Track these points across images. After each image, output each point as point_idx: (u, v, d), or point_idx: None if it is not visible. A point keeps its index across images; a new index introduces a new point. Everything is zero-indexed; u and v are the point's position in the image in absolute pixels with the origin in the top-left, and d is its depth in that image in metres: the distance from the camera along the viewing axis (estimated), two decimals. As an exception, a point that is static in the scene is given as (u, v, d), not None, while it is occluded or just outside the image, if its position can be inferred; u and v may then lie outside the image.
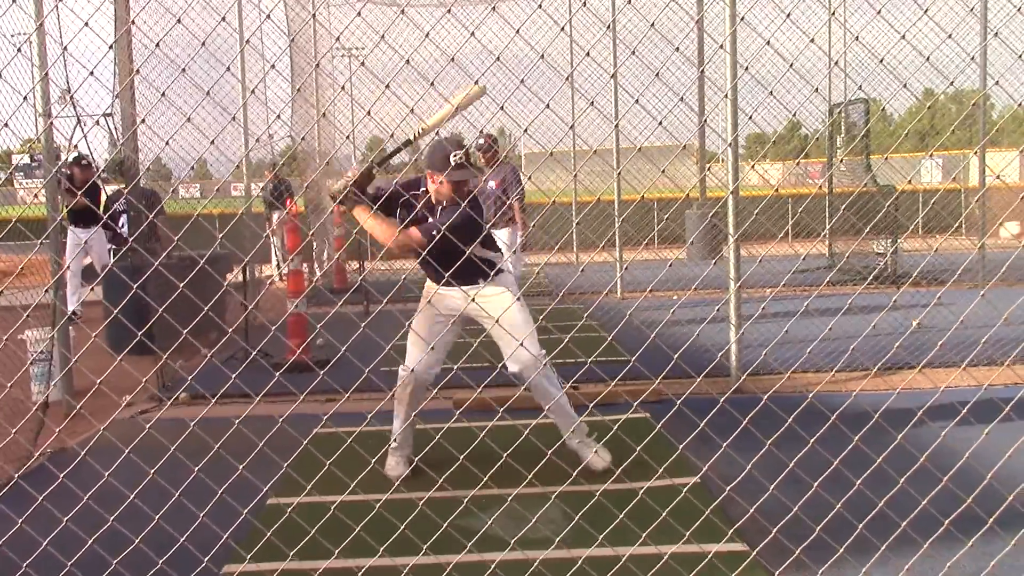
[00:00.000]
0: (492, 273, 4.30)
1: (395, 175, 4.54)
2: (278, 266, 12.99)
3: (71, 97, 6.73)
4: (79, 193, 8.57)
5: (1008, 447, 3.09)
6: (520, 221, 8.08)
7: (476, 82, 3.80)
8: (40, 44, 5.41)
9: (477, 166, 4.15)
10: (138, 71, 5.87)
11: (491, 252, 4.35)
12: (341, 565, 2.81)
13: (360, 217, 4.04)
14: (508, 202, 7.68)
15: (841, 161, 12.62)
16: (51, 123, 4.89)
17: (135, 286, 2.19)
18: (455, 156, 4.06)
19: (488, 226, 4.02)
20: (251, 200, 12.03)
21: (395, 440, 4.42)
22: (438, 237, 3.82)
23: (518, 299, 4.30)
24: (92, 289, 9.47)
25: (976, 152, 10.89)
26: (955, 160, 21.84)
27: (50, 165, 5.76)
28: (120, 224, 9.23)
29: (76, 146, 8.56)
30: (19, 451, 4.59)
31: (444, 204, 4.17)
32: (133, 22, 5.57)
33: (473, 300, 3.91)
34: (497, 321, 3.89)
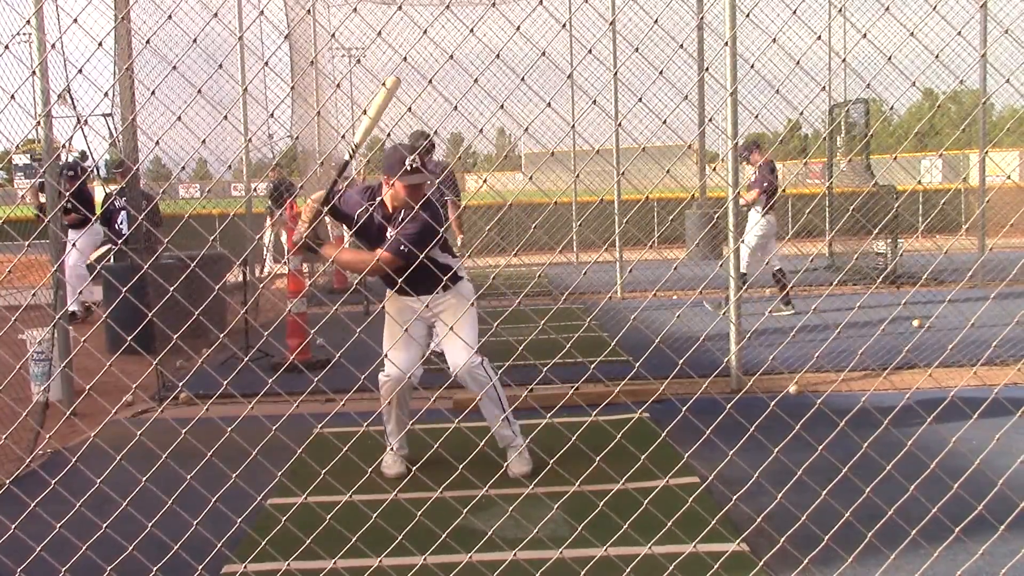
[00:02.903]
0: (449, 280, 4.27)
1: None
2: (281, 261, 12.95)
3: (70, 97, 6.71)
4: (54, 196, 8.53)
5: (1018, 450, 3.05)
6: (455, 225, 8.11)
7: (384, 83, 3.85)
8: (40, 44, 5.39)
9: (430, 169, 4.23)
10: (128, 68, 5.83)
11: (450, 258, 4.38)
12: (340, 567, 2.78)
13: (329, 256, 4.15)
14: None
15: (849, 160, 12.59)
16: (40, 121, 4.85)
17: (124, 290, 2.15)
18: (409, 161, 4.07)
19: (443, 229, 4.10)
20: (247, 198, 12.00)
21: (391, 443, 4.40)
22: (405, 250, 3.89)
23: (464, 305, 4.34)
24: (82, 292, 9.44)
25: (986, 152, 10.86)
26: (954, 160, 21.81)
27: (48, 167, 5.72)
28: (119, 221, 9.19)
29: (70, 146, 8.53)
30: (18, 453, 4.56)
31: (401, 212, 4.19)
32: (124, 18, 5.52)
33: (427, 307, 4.00)
34: (449, 328, 3.96)
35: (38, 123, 4.64)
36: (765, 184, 8.50)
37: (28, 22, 4.62)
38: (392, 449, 4.41)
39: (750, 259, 8.63)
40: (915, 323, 7.65)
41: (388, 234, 4.21)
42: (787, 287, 8.77)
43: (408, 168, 4.06)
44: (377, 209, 4.27)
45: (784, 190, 16.48)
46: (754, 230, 8.65)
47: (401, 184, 4.10)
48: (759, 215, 8.66)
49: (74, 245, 9.28)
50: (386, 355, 4.31)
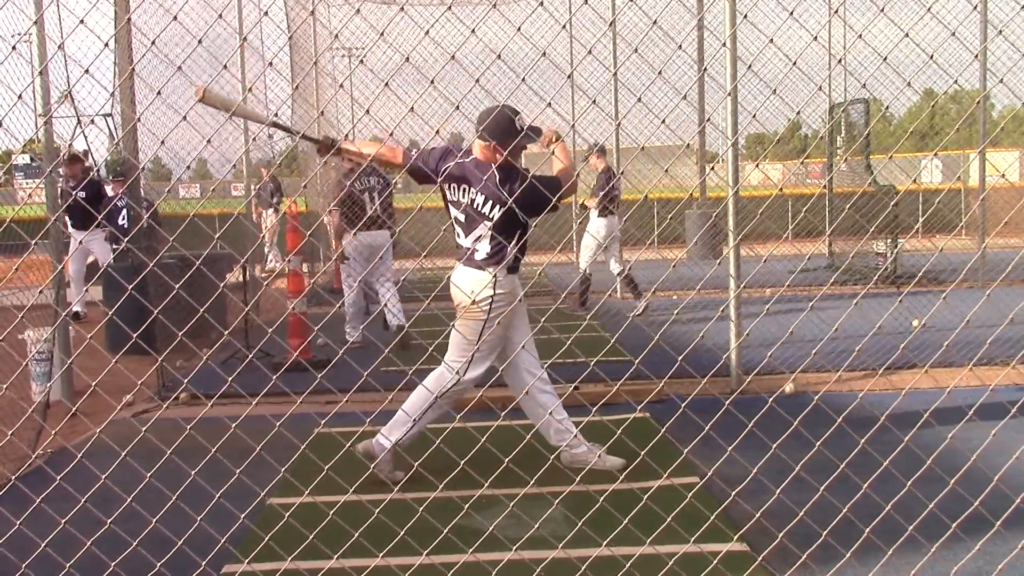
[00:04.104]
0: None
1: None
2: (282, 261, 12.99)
3: (70, 97, 6.72)
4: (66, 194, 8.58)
5: (1015, 448, 3.07)
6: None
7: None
8: (40, 44, 5.41)
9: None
10: (133, 69, 5.85)
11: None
12: (341, 566, 2.80)
13: (351, 150, 4.05)
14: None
15: (844, 160, 12.61)
16: (48, 120, 4.86)
17: (130, 287, 2.17)
18: (519, 120, 3.95)
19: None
20: (248, 199, 12.02)
21: (401, 443, 4.31)
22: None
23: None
24: (87, 290, 9.47)
25: (979, 152, 10.88)
26: (955, 160, 21.81)
27: (48, 165, 5.74)
28: (120, 218, 9.22)
29: (72, 145, 8.56)
30: (20, 451, 4.58)
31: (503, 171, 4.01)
32: (129, 19, 5.54)
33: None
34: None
35: (45, 122, 4.65)
36: (603, 191, 9.18)
37: (35, 23, 4.63)
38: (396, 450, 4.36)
39: (587, 256, 9.33)
40: (915, 323, 7.66)
41: (477, 200, 4.04)
42: (637, 286, 9.42)
43: (520, 128, 3.91)
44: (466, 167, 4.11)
45: (781, 190, 16.49)
46: (600, 231, 9.29)
47: (511, 150, 3.92)
48: (598, 216, 9.34)
49: (79, 242, 9.35)
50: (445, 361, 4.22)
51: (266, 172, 13.72)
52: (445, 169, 4.03)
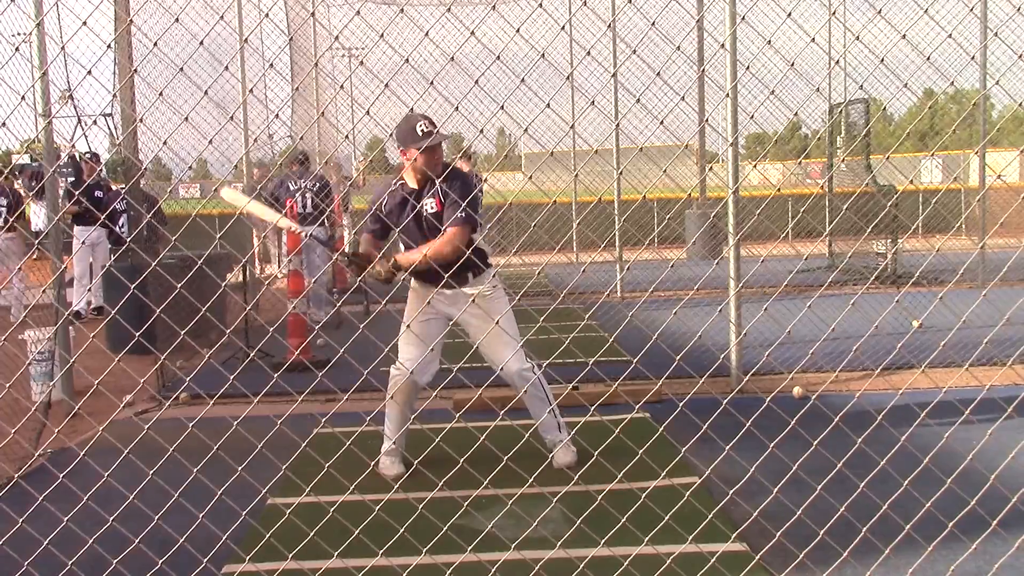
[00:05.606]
0: (483, 265, 4.28)
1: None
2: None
3: (71, 97, 6.73)
4: (77, 194, 8.59)
5: (1011, 448, 3.08)
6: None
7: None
8: (40, 44, 5.41)
9: (441, 134, 4.22)
10: (136, 71, 5.86)
11: (481, 241, 4.40)
12: (341, 565, 2.81)
13: (407, 263, 4.05)
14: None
15: (843, 161, 12.61)
16: (50, 121, 4.87)
17: (132, 287, 2.18)
18: (421, 126, 4.10)
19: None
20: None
21: (392, 442, 4.37)
22: (463, 215, 4.01)
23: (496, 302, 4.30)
24: (89, 290, 9.48)
25: (976, 152, 10.90)
26: (955, 160, 21.82)
27: (49, 165, 5.76)
28: (120, 224, 9.23)
29: (75, 145, 8.59)
30: (20, 451, 4.59)
31: (427, 184, 4.19)
32: (131, 21, 5.56)
33: (467, 300, 3.94)
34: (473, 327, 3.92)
35: (48, 123, 4.66)
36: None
37: (38, 25, 4.64)
38: (392, 445, 4.39)
39: None
40: (915, 324, 7.66)
41: (426, 209, 4.19)
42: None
43: (421, 133, 4.07)
44: (398, 194, 4.23)
45: (779, 190, 16.49)
46: None
47: (420, 152, 4.08)
48: None
49: (83, 242, 9.35)
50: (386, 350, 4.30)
51: (258, 171, 13.69)
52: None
